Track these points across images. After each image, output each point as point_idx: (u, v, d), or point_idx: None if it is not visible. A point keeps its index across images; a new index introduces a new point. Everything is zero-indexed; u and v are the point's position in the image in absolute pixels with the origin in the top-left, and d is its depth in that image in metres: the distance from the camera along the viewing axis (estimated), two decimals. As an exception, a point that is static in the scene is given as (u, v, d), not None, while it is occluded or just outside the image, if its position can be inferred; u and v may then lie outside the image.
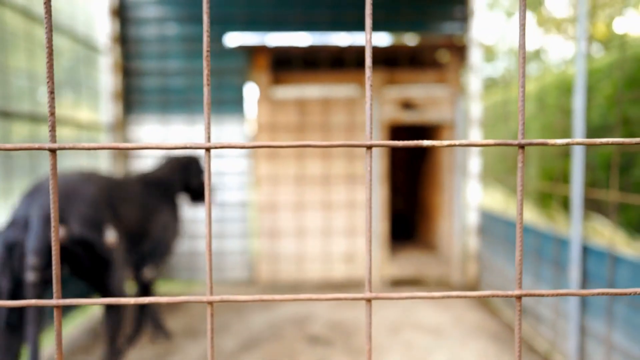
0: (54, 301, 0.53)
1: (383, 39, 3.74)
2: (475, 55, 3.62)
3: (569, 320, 2.24)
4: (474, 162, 3.64)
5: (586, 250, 2.15)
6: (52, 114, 0.53)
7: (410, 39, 3.81)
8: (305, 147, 0.57)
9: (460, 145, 0.58)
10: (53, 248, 0.52)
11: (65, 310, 2.67)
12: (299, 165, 3.66)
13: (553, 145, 0.63)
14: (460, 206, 3.70)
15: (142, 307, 2.44)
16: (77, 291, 2.92)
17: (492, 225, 3.34)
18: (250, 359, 2.41)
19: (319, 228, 3.65)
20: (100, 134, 3.53)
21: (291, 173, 3.62)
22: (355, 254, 3.67)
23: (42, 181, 1.85)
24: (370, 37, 0.63)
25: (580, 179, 2.18)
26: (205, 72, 0.61)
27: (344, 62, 3.75)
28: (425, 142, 0.58)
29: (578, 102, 2.15)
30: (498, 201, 5.85)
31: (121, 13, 3.63)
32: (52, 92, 0.52)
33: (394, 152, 4.94)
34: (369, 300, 0.64)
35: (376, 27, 3.73)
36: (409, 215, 4.96)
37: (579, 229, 2.18)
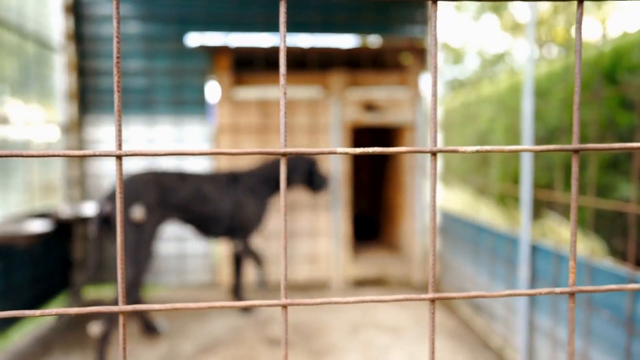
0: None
1: (346, 41, 3.77)
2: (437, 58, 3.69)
3: (519, 316, 2.32)
4: (437, 164, 3.71)
5: (535, 250, 2.23)
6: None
7: (373, 42, 3.85)
8: (217, 154, 0.57)
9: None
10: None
11: (15, 318, 2.57)
12: (261, 167, 3.63)
13: (464, 152, 0.65)
14: (421, 207, 3.77)
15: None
16: (30, 300, 2.82)
17: (453, 226, 3.41)
18: (208, 363, 2.38)
19: (282, 230, 3.64)
20: (56, 134, 3.42)
21: (254, 174, 3.60)
22: (318, 256, 3.68)
23: (135, 175, 2.57)
24: (285, 45, 0.64)
25: (529, 181, 2.25)
26: (116, 78, 0.60)
27: (307, 63, 3.76)
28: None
29: (527, 106, 2.23)
30: (464, 202, 5.99)
31: (76, 10, 3.52)
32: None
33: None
34: (284, 307, 0.65)
35: (339, 29, 3.76)
36: (374, 216, 5.01)
37: (528, 229, 2.25)
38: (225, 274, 3.62)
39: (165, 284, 3.71)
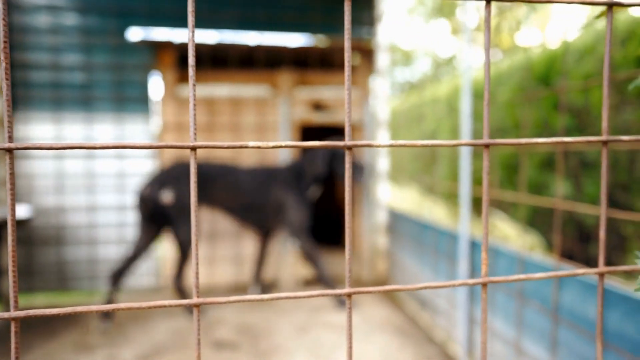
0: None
1: (294, 40, 3.76)
2: (383, 59, 3.75)
3: (460, 310, 2.39)
4: (383, 162, 3.78)
5: (474, 245, 2.31)
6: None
7: (321, 41, 3.86)
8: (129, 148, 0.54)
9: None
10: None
11: None
12: (208, 166, 3.55)
13: (377, 146, 0.65)
14: (369, 205, 3.82)
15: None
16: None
17: (399, 224, 3.48)
18: (149, 369, 2.29)
19: (230, 230, 3.57)
20: (-18, 132, 3.18)
21: (200, 174, 3.51)
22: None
23: (175, 165, 2.97)
24: (193, 35, 0.61)
25: (467, 180, 2.33)
26: (4, 64, 0.56)
27: (254, 61, 3.72)
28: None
29: (465, 107, 2.30)
30: (412, 200, 6.14)
31: (6, -1, 3.30)
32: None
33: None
34: (197, 306, 0.62)
35: (287, 27, 3.74)
36: (329, 216, 5.03)
37: (467, 225, 2.33)
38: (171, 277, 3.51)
39: (105, 289, 3.54)
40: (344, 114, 3.83)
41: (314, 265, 3.08)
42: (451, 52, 11.88)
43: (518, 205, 4.05)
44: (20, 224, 3.20)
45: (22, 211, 3.05)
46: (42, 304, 3.35)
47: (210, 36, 3.67)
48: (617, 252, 2.98)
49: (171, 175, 2.88)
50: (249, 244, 3.61)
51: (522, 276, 0.71)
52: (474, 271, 2.32)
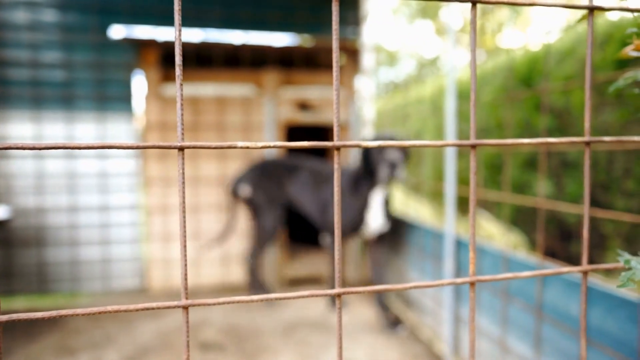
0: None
1: (279, 39, 3.75)
2: (368, 59, 3.76)
3: (445, 309, 2.42)
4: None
5: (459, 244, 2.34)
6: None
7: (306, 41, 3.86)
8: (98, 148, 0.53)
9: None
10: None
11: None
12: (192, 166, 3.53)
13: (366, 147, 0.65)
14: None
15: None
16: None
17: (383, 223, 3.50)
18: (133, 372, 2.26)
19: (215, 230, 3.55)
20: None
21: (185, 174, 3.48)
22: (254, 256, 3.63)
23: (257, 162, 3.23)
24: (180, 34, 0.61)
25: (452, 179, 2.36)
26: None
27: (239, 60, 3.69)
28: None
29: (450, 107, 2.33)
30: (398, 199, 6.17)
31: (-17, -5, 3.22)
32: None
33: (296, 152, 4.98)
34: (185, 308, 0.62)
35: (272, 27, 3.73)
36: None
37: (452, 225, 2.36)
38: (156, 278, 3.47)
39: (88, 291, 3.48)
40: (330, 114, 3.84)
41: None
42: (435, 53, 11.99)
43: (502, 205, 4.11)
44: None
45: (1, 212, 2.98)
46: (22, 307, 3.28)
47: (195, 35, 3.63)
48: (598, 251, 3.05)
49: (252, 172, 3.14)
50: (235, 244, 3.59)
51: (509, 275, 0.72)
52: (459, 270, 2.34)
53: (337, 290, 0.65)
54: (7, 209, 3.12)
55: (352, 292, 0.65)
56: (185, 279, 0.61)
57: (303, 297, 0.63)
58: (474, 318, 0.70)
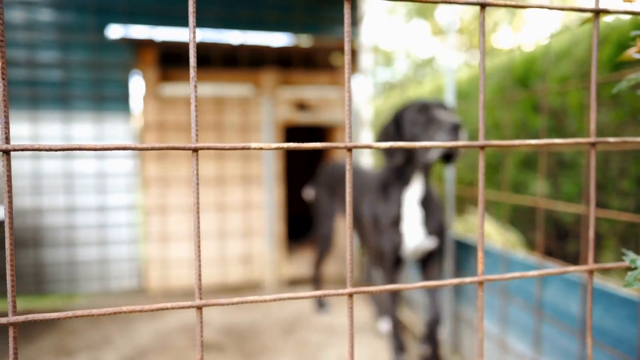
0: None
1: (277, 39, 3.75)
2: (366, 60, 3.77)
3: (445, 308, 2.43)
4: (366, 161, 3.80)
5: (458, 244, 2.35)
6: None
7: (304, 41, 3.86)
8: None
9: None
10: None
11: None
12: (190, 166, 3.52)
13: (377, 148, 0.66)
14: (351, 205, 3.84)
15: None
16: None
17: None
18: (133, 373, 2.26)
19: (214, 231, 3.54)
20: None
21: (182, 174, 3.48)
22: (252, 256, 3.63)
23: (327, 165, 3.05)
24: (194, 36, 0.61)
25: (452, 179, 2.37)
26: (0, 63, 0.55)
27: (237, 60, 3.69)
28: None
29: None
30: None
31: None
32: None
33: (292, 154, 4.98)
34: (199, 308, 0.62)
35: (270, 27, 3.73)
36: (309, 216, 5.04)
37: (451, 224, 2.37)
38: (154, 278, 3.46)
39: (85, 291, 3.47)
40: (328, 114, 3.84)
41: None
42: (431, 53, 12.04)
43: (499, 204, 4.13)
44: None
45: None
46: (19, 309, 3.26)
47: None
48: (594, 250, 3.07)
49: (318, 175, 3.06)
50: (233, 244, 3.59)
51: (516, 274, 0.73)
52: (458, 269, 2.36)
53: (348, 290, 0.65)
54: (3, 210, 3.11)
55: (364, 292, 0.65)
56: (199, 279, 0.61)
57: (315, 296, 0.63)
58: (483, 317, 0.70)
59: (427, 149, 1.76)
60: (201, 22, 3.61)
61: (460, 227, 3.98)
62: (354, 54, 3.75)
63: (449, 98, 2.34)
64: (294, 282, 3.72)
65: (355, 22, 3.87)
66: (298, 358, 2.41)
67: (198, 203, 0.60)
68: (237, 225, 3.58)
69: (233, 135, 3.52)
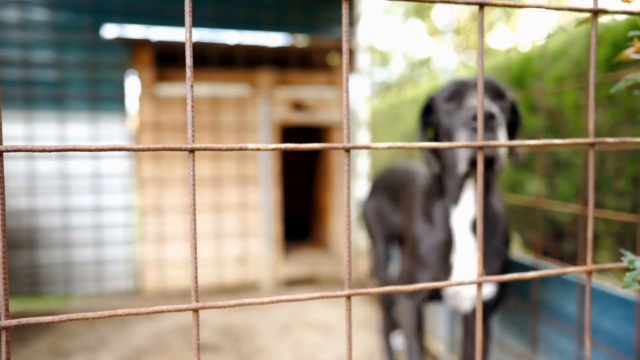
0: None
1: (273, 39, 3.74)
2: (362, 60, 3.77)
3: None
4: (363, 162, 3.80)
5: (454, 243, 2.35)
6: None
7: (301, 41, 3.86)
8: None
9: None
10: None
11: None
12: (186, 167, 3.51)
13: (376, 148, 0.65)
14: (350, 205, 3.84)
15: None
16: None
17: (378, 223, 3.51)
18: (129, 375, 2.24)
19: (210, 231, 3.53)
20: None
21: (178, 175, 3.46)
22: (249, 256, 3.62)
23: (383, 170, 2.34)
24: (190, 35, 0.60)
25: (448, 178, 2.37)
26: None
27: (234, 60, 3.68)
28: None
29: (445, 107, 2.34)
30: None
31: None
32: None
33: (289, 154, 4.97)
34: (195, 311, 0.61)
35: (266, 27, 3.72)
36: (305, 216, 5.03)
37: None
38: (150, 279, 3.44)
39: (81, 293, 3.45)
40: (324, 114, 3.84)
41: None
42: (428, 53, 12.06)
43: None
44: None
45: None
46: (14, 310, 3.23)
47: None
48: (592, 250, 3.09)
49: (376, 182, 2.34)
50: (229, 245, 3.58)
51: (515, 275, 0.73)
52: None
53: (347, 291, 0.65)
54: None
55: (362, 294, 0.65)
56: (196, 281, 0.60)
57: (314, 298, 0.63)
58: (481, 318, 0.70)
59: (455, 154, 1.35)
60: (197, 22, 3.59)
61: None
62: (350, 54, 3.75)
63: (446, 98, 2.34)
64: (291, 283, 3.71)
65: (352, 22, 3.87)
66: (295, 358, 2.40)
67: (194, 204, 0.59)
68: (233, 225, 3.57)
69: (229, 135, 3.51)
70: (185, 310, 0.59)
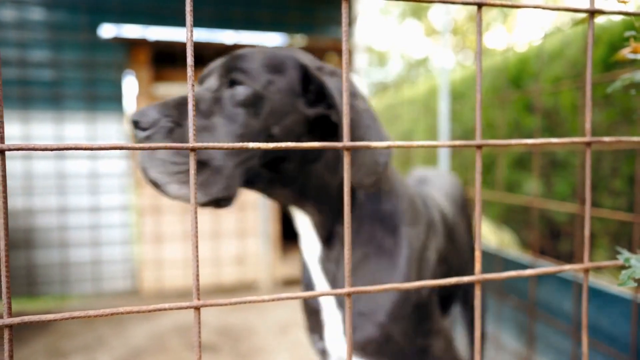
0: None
1: (271, 39, 3.75)
2: (359, 60, 3.78)
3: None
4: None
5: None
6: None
7: (298, 41, 3.86)
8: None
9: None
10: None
11: None
12: (184, 167, 3.51)
13: (375, 147, 0.66)
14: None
15: None
16: None
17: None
18: (127, 375, 2.24)
19: (208, 231, 3.53)
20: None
21: (176, 174, 3.46)
22: (246, 256, 3.62)
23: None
24: (191, 34, 0.61)
25: (446, 178, 2.38)
26: (-5, 62, 0.54)
27: (232, 60, 3.68)
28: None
29: (443, 108, 2.35)
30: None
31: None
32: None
33: (287, 153, 4.98)
34: (197, 309, 0.62)
35: (263, 27, 3.72)
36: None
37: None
38: (148, 279, 3.44)
39: (78, 293, 3.44)
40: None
41: None
42: (425, 54, 12.09)
43: (492, 204, 4.15)
44: None
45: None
46: (12, 311, 3.22)
47: (185, 34, 3.61)
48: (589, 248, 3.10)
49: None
50: (227, 245, 3.58)
51: (513, 273, 0.73)
52: (452, 268, 2.37)
53: (347, 289, 0.65)
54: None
55: (363, 292, 0.65)
56: (197, 280, 0.61)
57: (315, 296, 0.63)
58: (480, 316, 0.71)
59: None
60: (195, 22, 3.59)
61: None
62: (348, 54, 3.76)
63: (443, 98, 2.35)
64: (289, 282, 3.72)
65: (349, 22, 3.87)
66: (294, 358, 2.40)
67: (196, 204, 0.59)
68: (231, 225, 3.57)
69: (227, 135, 3.51)
70: (187, 308, 0.60)
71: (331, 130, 0.99)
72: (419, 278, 1.03)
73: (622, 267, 0.80)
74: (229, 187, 0.89)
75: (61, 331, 2.78)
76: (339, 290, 0.64)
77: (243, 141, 0.88)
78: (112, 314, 0.58)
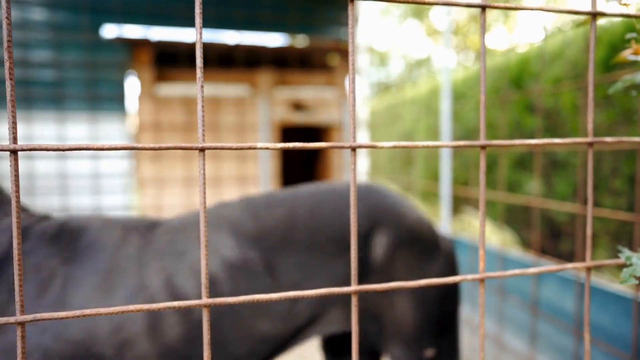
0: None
1: (273, 40, 3.76)
2: (361, 60, 3.79)
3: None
4: (362, 161, 3.82)
5: (454, 242, 2.37)
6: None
7: (300, 41, 3.87)
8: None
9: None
10: None
11: None
12: (186, 167, 3.52)
13: (381, 147, 0.67)
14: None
15: None
16: None
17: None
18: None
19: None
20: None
21: (178, 175, 3.47)
22: (248, 256, 3.63)
23: None
24: (201, 36, 0.62)
25: (448, 178, 2.39)
26: (7, 64, 0.55)
27: (233, 60, 3.69)
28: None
29: (445, 108, 2.36)
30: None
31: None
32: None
33: (289, 154, 4.99)
34: (206, 307, 0.62)
35: (265, 27, 3.73)
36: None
37: (448, 223, 2.39)
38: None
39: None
40: (324, 115, 3.86)
41: None
42: (426, 54, 12.09)
43: (494, 203, 4.16)
44: None
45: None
46: (12, 310, 3.24)
47: (188, 35, 3.63)
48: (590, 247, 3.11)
49: None
50: (228, 244, 3.58)
51: (516, 271, 0.74)
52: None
53: (353, 287, 0.66)
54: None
55: (369, 290, 0.66)
56: (206, 277, 0.62)
57: (321, 295, 0.64)
58: (484, 314, 0.72)
59: None
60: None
61: (456, 227, 4.00)
62: (349, 54, 3.77)
63: (445, 99, 2.36)
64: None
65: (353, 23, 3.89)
66: (296, 357, 2.41)
67: (205, 203, 0.60)
68: (233, 225, 3.57)
69: (229, 135, 3.52)
70: (195, 306, 0.61)
71: None
72: None
73: (623, 266, 0.81)
74: None
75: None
76: (345, 289, 0.65)
77: None
78: (122, 312, 0.59)
